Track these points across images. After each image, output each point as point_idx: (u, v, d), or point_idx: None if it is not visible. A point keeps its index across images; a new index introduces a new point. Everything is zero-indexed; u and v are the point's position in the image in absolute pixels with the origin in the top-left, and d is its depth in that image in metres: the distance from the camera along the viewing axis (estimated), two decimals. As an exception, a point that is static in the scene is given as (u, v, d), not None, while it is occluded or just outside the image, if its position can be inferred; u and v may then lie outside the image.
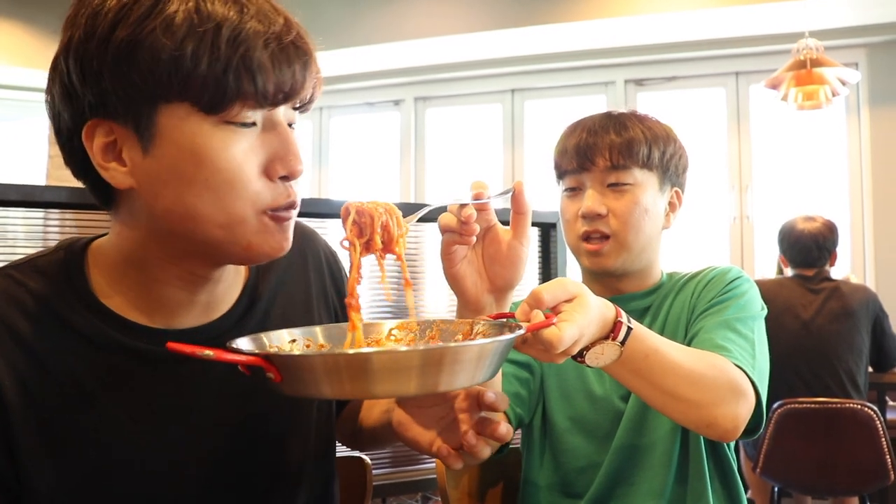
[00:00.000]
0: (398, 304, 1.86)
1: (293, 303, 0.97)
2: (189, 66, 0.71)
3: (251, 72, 0.73)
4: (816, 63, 3.36)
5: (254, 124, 0.76)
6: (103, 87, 0.73)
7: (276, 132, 0.78)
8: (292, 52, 0.75)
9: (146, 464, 0.82)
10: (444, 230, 0.91)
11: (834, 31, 4.23)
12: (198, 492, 0.85)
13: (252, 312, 0.91)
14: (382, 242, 0.79)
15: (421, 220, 0.85)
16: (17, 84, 5.10)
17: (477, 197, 0.89)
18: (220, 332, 0.85)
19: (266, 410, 0.91)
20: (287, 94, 0.76)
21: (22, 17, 4.93)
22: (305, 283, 1.00)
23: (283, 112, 0.79)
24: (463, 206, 0.88)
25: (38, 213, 1.58)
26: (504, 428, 0.86)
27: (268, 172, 0.77)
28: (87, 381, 0.80)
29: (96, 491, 0.80)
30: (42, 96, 0.81)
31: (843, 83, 3.48)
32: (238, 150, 0.75)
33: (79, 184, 0.82)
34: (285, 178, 0.78)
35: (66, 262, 0.84)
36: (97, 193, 0.82)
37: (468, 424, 0.88)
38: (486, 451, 0.87)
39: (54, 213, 1.59)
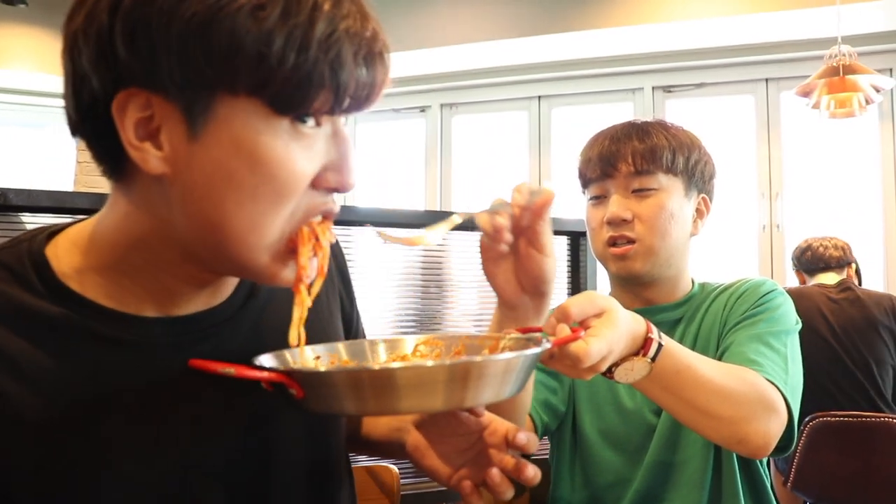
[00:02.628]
0: (423, 314, 1.84)
1: None
2: (273, 63, 0.61)
3: (336, 79, 0.64)
4: (850, 70, 3.30)
5: (318, 126, 0.68)
6: (157, 62, 0.62)
7: (336, 140, 0.70)
8: (378, 62, 0.67)
9: (150, 472, 0.72)
10: (480, 229, 0.88)
11: (867, 36, 4.16)
12: (221, 496, 0.76)
13: (256, 295, 0.82)
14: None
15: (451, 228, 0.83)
16: (44, 90, 5.15)
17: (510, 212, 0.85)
18: (221, 320, 0.78)
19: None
20: (360, 105, 0.68)
21: (49, 23, 4.97)
22: None
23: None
24: (494, 213, 0.84)
25: (67, 220, 1.57)
26: (532, 471, 0.81)
27: (317, 182, 0.69)
28: (73, 386, 0.69)
29: None
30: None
31: (878, 90, 3.42)
32: (302, 157, 0.67)
33: (109, 191, 0.77)
34: (332, 190, 0.71)
35: (32, 252, 0.74)
36: (106, 161, 0.71)
37: (494, 462, 0.83)
38: (510, 493, 0.82)
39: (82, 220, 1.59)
